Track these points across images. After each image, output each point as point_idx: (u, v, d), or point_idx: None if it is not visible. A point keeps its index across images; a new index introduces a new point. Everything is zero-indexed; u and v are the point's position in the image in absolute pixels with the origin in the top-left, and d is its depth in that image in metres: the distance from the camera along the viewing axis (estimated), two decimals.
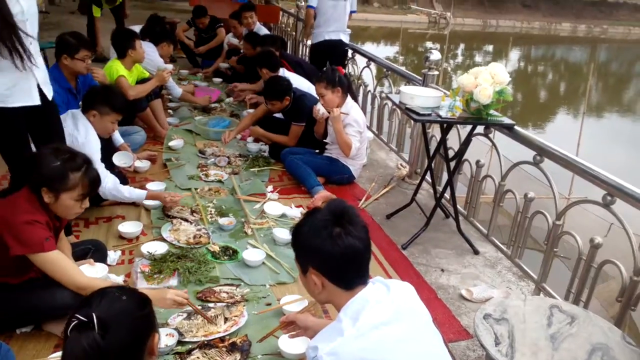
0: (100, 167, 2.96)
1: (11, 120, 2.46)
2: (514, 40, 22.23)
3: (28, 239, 2.01)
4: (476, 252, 3.31)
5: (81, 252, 2.54)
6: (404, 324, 1.48)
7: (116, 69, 4.17)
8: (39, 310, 2.21)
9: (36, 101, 2.50)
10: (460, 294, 2.85)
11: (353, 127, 3.89)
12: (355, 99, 4.07)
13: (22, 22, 2.34)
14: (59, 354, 2.04)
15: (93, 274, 2.37)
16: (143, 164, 3.91)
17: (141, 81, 4.46)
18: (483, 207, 3.67)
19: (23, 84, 2.45)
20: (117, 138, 3.74)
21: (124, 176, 3.49)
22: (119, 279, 2.58)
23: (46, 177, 2.06)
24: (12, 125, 2.48)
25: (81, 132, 3.04)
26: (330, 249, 1.52)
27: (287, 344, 2.22)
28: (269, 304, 2.56)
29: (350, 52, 6.04)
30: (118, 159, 3.46)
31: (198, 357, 2.13)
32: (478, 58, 20.21)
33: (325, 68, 4.19)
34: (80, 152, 2.24)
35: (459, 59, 20.26)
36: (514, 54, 20.92)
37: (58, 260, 2.07)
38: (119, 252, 2.86)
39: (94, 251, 2.61)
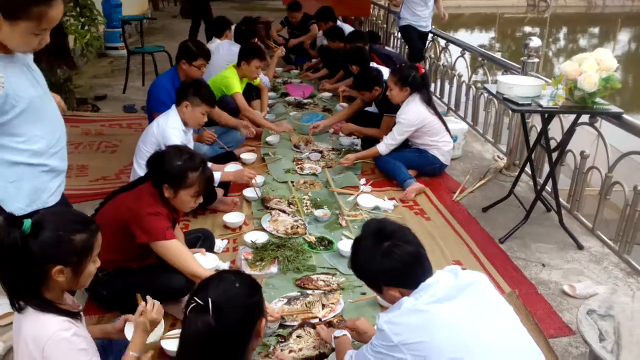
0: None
1: None
2: (624, 20, 20.48)
3: (152, 228, 2.23)
4: (580, 247, 3.16)
5: (192, 240, 2.77)
6: (459, 303, 1.56)
7: (233, 84, 4.42)
8: (157, 292, 2.40)
9: None
10: (563, 290, 2.75)
11: (401, 124, 3.89)
12: (430, 99, 4.01)
13: None
14: (175, 331, 2.25)
15: (204, 263, 2.57)
16: (250, 156, 4.17)
17: (248, 87, 4.73)
18: (589, 201, 3.49)
19: None
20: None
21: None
22: (225, 265, 2.78)
23: (168, 175, 2.28)
24: None
25: (161, 120, 3.22)
26: (390, 265, 1.64)
27: None
28: (363, 293, 2.63)
29: (443, 42, 5.95)
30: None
31: (299, 335, 2.27)
32: (582, 42, 18.85)
33: (403, 65, 4.21)
34: (198, 153, 2.45)
35: (561, 43, 19.04)
36: (623, 36, 19.27)
37: (177, 249, 2.28)
38: (225, 241, 3.07)
39: (204, 239, 2.83)
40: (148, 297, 1.74)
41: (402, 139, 3.93)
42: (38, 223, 1.52)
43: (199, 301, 1.40)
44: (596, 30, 20.71)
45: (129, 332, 1.87)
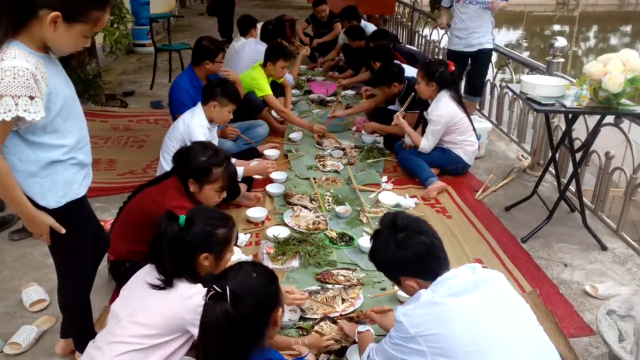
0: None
1: None
2: None
3: None
4: (604, 248, 3.13)
5: None
6: (476, 297, 1.59)
7: (263, 86, 4.45)
8: None
9: None
10: (584, 290, 2.74)
11: (433, 121, 3.87)
12: (460, 98, 4.00)
13: None
14: None
15: None
16: (273, 153, 4.22)
17: (273, 84, 4.74)
18: (617, 201, 3.45)
19: None
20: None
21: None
22: (247, 259, 2.83)
23: (194, 170, 2.36)
24: None
25: (187, 117, 3.30)
26: (404, 255, 1.69)
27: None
28: (383, 289, 2.67)
29: None
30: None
31: (322, 327, 2.32)
32: (613, 40, 18.47)
33: (432, 60, 4.19)
34: (223, 149, 2.51)
35: (591, 42, 18.67)
36: None
37: None
38: (248, 235, 3.13)
39: None
40: None
41: (438, 136, 3.91)
42: (190, 219, 1.85)
43: (218, 289, 1.46)
44: (628, 28, 20.25)
45: None
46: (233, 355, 1.47)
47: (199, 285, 1.79)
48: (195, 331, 1.75)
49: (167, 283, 1.80)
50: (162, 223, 1.81)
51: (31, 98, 1.61)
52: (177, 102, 3.84)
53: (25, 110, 1.60)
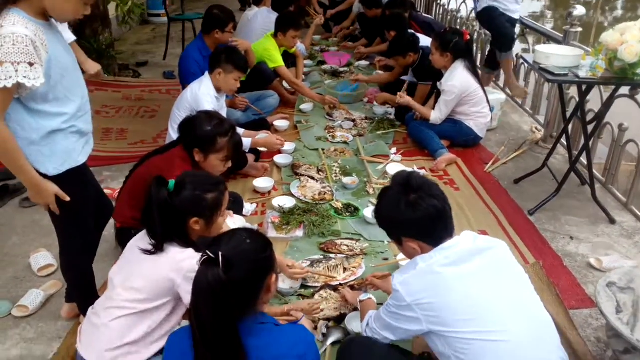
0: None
1: None
2: None
3: None
4: (612, 222, 3.09)
5: None
6: (473, 266, 1.59)
7: (275, 57, 4.40)
8: None
9: None
10: (589, 263, 2.71)
11: (446, 92, 3.78)
12: (474, 67, 3.90)
13: None
14: None
15: (232, 224, 2.66)
16: (283, 124, 4.21)
17: (285, 55, 4.67)
18: (632, 175, 3.38)
19: None
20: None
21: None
22: (252, 228, 2.86)
23: (199, 139, 2.37)
24: None
25: (195, 87, 3.31)
26: (413, 216, 1.65)
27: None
28: (386, 259, 2.68)
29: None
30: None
31: (321, 296, 2.35)
32: None
33: (447, 29, 4.09)
34: (228, 119, 2.52)
35: (619, 12, 18.01)
36: None
37: None
38: (254, 205, 3.16)
39: (233, 203, 2.90)
40: None
41: (451, 107, 3.85)
42: (179, 183, 1.84)
43: (210, 254, 1.46)
44: None
45: None
46: (226, 320, 1.49)
47: (191, 250, 1.81)
48: (186, 297, 1.76)
49: (158, 248, 1.81)
50: (152, 188, 1.81)
51: (30, 64, 1.63)
52: (186, 72, 3.84)
53: (25, 77, 1.62)
